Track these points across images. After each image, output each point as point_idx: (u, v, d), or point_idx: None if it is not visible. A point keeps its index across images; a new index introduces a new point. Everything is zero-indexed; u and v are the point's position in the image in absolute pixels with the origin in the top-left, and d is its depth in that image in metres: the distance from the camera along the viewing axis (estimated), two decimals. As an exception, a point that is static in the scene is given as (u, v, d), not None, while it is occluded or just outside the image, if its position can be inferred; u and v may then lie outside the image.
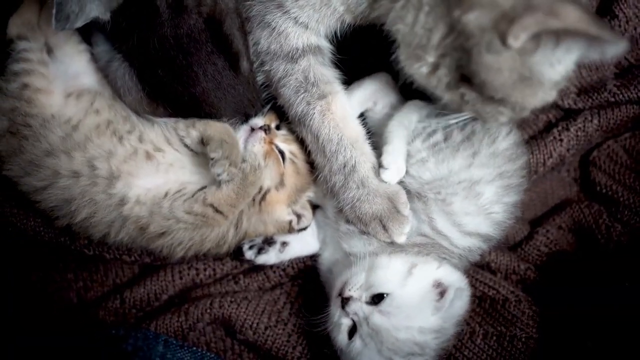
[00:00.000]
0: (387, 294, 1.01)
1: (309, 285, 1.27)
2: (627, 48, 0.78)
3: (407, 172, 1.11)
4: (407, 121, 1.13)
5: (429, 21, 0.86)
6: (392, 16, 0.93)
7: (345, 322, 1.02)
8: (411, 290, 1.01)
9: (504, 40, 0.77)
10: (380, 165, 1.09)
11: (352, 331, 1.02)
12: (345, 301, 1.01)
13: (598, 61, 0.87)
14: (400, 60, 0.95)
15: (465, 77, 0.88)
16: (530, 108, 0.94)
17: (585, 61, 0.86)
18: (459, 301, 1.03)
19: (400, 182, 1.12)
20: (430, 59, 0.89)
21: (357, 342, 1.01)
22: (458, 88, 0.90)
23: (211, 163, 1.06)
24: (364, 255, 1.06)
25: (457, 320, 1.04)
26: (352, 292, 1.02)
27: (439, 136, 1.10)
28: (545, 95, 0.91)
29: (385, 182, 1.10)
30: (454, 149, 1.09)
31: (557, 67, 0.84)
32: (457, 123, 1.06)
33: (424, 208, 1.09)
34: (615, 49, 0.78)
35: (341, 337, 1.03)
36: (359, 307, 1.01)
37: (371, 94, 1.21)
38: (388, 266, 1.04)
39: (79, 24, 0.99)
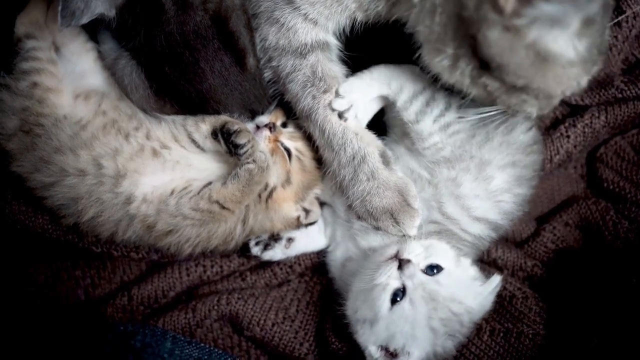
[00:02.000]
0: (443, 268, 1.01)
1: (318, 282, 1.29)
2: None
3: (422, 156, 1.12)
4: (396, 85, 1.09)
5: (443, 18, 0.88)
6: (411, 19, 0.95)
7: (393, 284, 0.99)
8: (461, 273, 1.03)
9: (497, 6, 0.78)
10: (336, 93, 1.09)
11: (394, 298, 0.99)
12: (403, 263, 1.00)
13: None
14: (423, 57, 0.96)
15: (484, 64, 0.88)
16: (557, 96, 0.93)
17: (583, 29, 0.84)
18: (492, 295, 1.05)
19: (411, 173, 1.13)
20: (450, 50, 0.90)
21: (404, 305, 0.98)
22: (480, 78, 0.91)
23: (234, 135, 1.06)
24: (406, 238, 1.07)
25: (486, 311, 1.06)
26: (411, 256, 1.01)
27: (452, 116, 1.08)
28: (571, 81, 0.90)
29: (335, 111, 1.08)
30: (470, 135, 1.09)
31: (559, 37, 0.83)
32: (486, 118, 1.04)
33: (433, 193, 1.10)
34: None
35: (383, 299, 0.98)
36: (416, 271, 0.99)
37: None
38: (441, 245, 1.05)
39: (85, 20, 0.99)
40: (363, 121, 1.15)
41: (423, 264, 1.01)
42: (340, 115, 1.09)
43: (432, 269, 1.01)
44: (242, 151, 1.06)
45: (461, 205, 1.08)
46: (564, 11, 0.79)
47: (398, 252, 1.02)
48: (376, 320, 1.00)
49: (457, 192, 1.08)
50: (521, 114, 0.99)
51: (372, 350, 1.02)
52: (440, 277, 1.00)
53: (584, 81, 0.92)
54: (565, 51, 0.84)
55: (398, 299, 0.99)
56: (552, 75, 0.87)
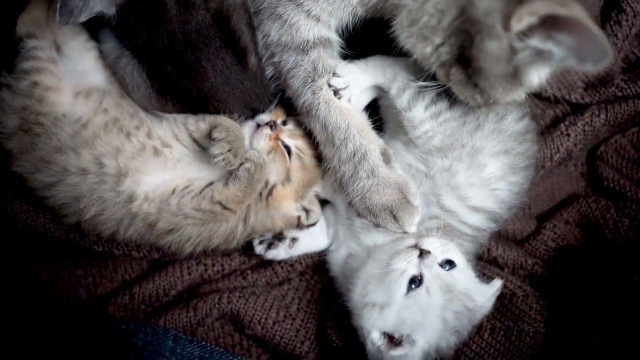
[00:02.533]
0: (457, 265, 1.03)
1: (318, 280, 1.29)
2: (609, 64, 0.81)
3: (415, 146, 1.13)
4: (390, 74, 1.12)
5: (442, 1, 0.88)
6: None
7: (411, 271, 1.00)
8: (468, 274, 1.05)
9: (507, 22, 0.80)
10: (333, 73, 1.10)
11: (410, 284, 0.99)
12: (424, 252, 1.01)
13: (571, 68, 0.89)
14: (398, 35, 0.97)
15: (462, 59, 0.90)
16: (499, 103, 0.99)
17: (559, 68, 0.90)
18: (493, 298, 1.07)
19: (409, 168, 1.13)
20: (438, 40, 0.91)
21: (421, 292, 0.99)
22: (451, 67, 0.93)
23: (212, 143, 1.05)
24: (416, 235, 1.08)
25: (485, 313, 1.07)
26: (430, 248, 1.02)
27: (443, 104, 1.09)
28: (516, 97, 0.95)
29: (331, 87, 1.10)
30: (461, 123, 1.10)
31: (540, 68, 0.87)
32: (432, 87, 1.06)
33: (431, 187, 1.11)
34: (597, 59, 0.79)
35: (400, 284, 0.99)
36: (435, 262, 1.01)
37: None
38: (452, 245, 1.06)
39: (83, 18, 0.99)
40: (357, 108, 1.16)
41: (440, 258, 1.03)
42: (335, 93, 1.10)
43: (447, 264, 1.02)
44: (215, 160, 1.05)
45: (458, 196, 1.09)
46: (563, 58, 0.81)
47: (417, 243, 1.04)
48: (388, 304, 0.99)
49: (452, 182, 1.09)
50: (462, 99, 1.02)
51: (375, 336, 1.00)
52: (454, 272, 1.02)
53: (521, 97, 0.96)
54: (533, 78, 0.90)
55: (413, 286, 0.99)
56: (509, 89, 0.91)
